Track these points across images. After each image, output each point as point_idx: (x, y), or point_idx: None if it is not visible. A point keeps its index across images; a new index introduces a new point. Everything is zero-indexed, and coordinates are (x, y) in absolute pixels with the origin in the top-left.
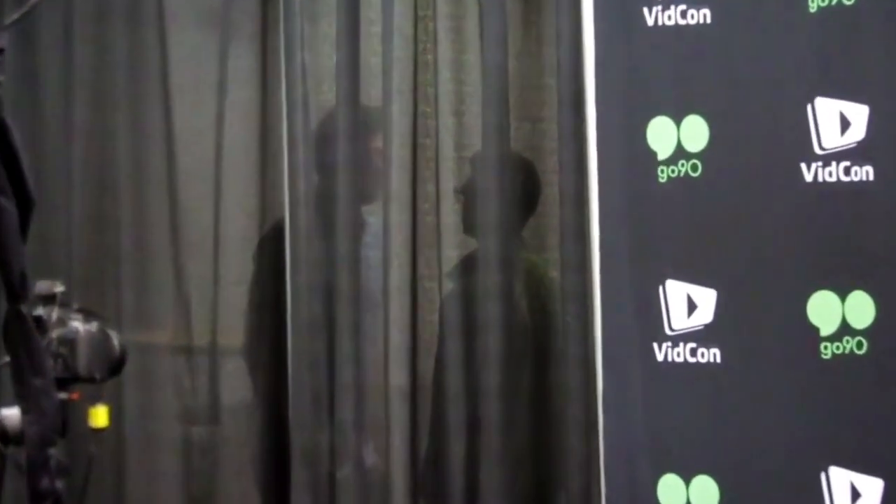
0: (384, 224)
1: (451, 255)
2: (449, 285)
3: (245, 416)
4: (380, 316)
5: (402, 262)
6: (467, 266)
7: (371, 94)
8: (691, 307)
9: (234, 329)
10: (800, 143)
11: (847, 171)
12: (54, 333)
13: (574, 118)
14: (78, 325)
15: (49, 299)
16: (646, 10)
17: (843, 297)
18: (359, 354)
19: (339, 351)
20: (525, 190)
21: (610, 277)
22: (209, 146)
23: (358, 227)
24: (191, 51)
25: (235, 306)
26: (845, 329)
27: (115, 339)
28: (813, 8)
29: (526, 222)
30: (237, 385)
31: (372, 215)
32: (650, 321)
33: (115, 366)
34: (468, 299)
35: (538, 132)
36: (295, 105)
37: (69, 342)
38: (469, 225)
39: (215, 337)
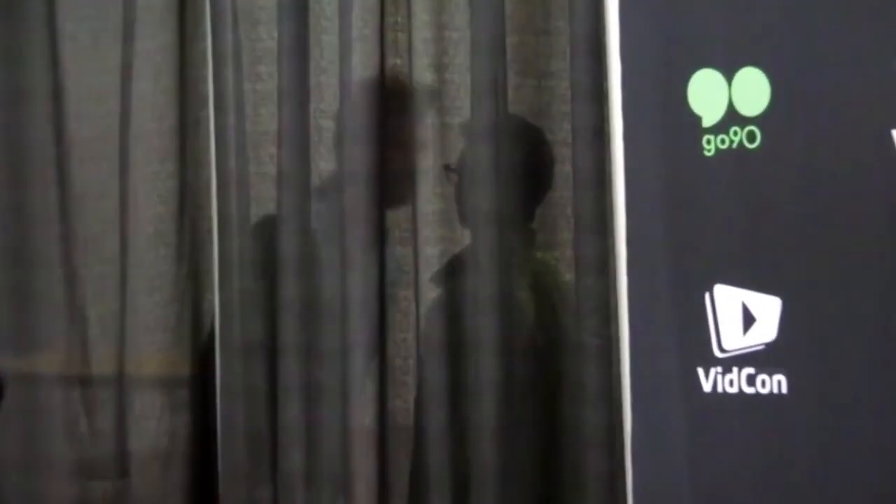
0: (340, 211)
1: (433, 253)
2: (430, 294)
3: (161, 467)
4: (336, 334)
5: (366, 263)
6: (455, 267)
7: (322, 40)
8: (748, 321)
9: (146, 353)
10: (890, 105)
11: None
12: None
13: (592, 73)
14: None
15: None
16: None
17: None
18: (310, 385)
19: (284, 380)
20: (531, 167)
21: (640, 282)
22: (110, 111)
23: (306, 215)
24: None
25: (148, 323)
26: None
27: None
28: None
29: (534, 210)
30: (150, 427)
31: (324, 199)
32: (694, 340)
33: None
34: (456, 311)
35: (545, 91)
36: (223, 56)
37: None
38: (464, 213)
39: (122, 364)
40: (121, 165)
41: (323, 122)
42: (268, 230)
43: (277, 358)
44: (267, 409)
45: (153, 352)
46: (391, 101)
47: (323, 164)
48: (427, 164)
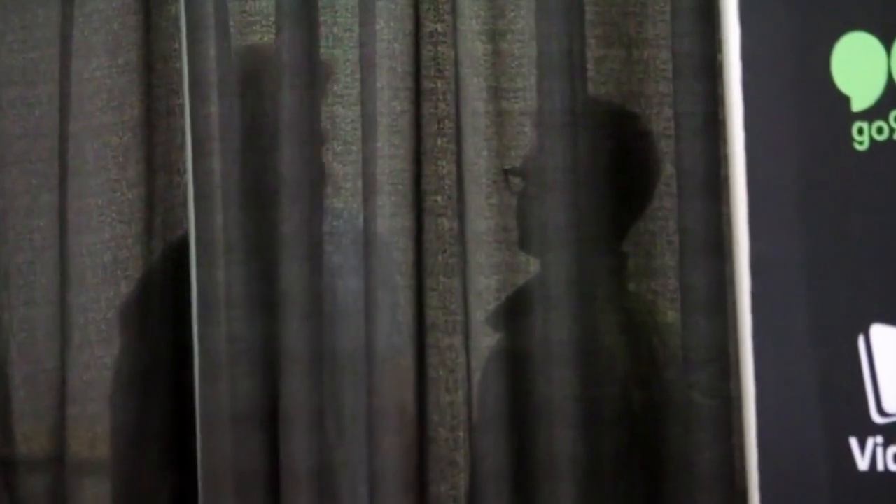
0: (365, 232)
1: (488, 285)
2: (485, 341)
3: None
4: (360, 396)
5: (397, 300)
6: (519, 306)
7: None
8: None
9: (99, 428)
10: None
11: None
12: None
13: (701, 39)
14: None
15: None
16: None
17: None
18: (322, 464)
19: (288, 460)
20: (623, 169)
21: (769, 322)
22: (45, 96)
23: (317, 236)
24: None
25: (100, 385)
26: None
27: None
28: None
29: (627, 228)
30: None
31: (339, 217)
32: (844, 399)
33: None
34: (520, 365)
35: (636, 65)
36: (202, 21)
37: None
38: (529, 233)
39: (63, 442)
40: (60, 171)
41: (338, 110)
42: (263, 258)
43: (278, 429)
44: (265, 499)
45: (106, 427)
46: (427, 81)
47: (339, 165)
48: (478, 165)
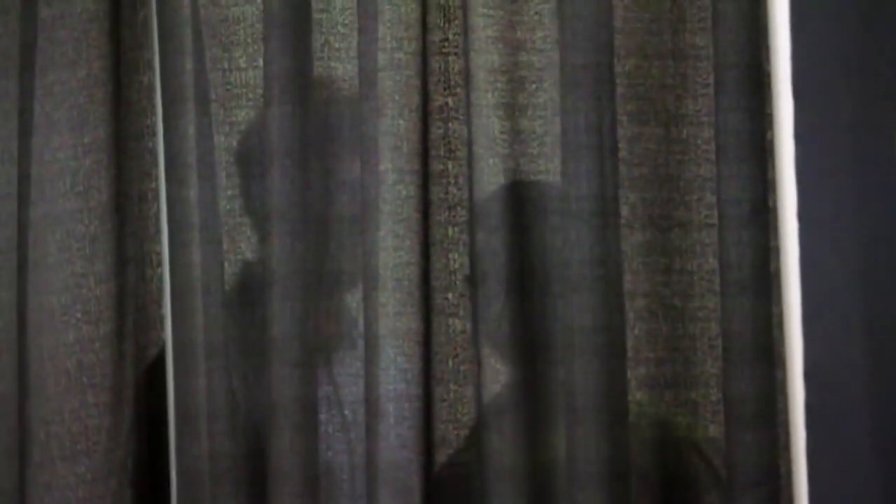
0: (366, 334)
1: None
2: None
3: None
4: None
5: (405, 412)
6: (540, 420)
7: (334, 72)
8: None
9: None
10: None
11: None
12: None
13: (749, 115)
14: None
15: None
16: None
17: None
18: None
19: None
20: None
21: (826, 439)
22: (2, 182)
23: (308, 339)
24: None
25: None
26: None
27: None
28: None
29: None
30: None
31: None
32: None
33: None
34: (542, 485)
35: (675, 144)
36: (179, 95)
37: None
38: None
39: None
40: (18, 264)
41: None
42: (249, 364)
43: None
44: None
45: None
46: (436, 162)
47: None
48: (496, 260)
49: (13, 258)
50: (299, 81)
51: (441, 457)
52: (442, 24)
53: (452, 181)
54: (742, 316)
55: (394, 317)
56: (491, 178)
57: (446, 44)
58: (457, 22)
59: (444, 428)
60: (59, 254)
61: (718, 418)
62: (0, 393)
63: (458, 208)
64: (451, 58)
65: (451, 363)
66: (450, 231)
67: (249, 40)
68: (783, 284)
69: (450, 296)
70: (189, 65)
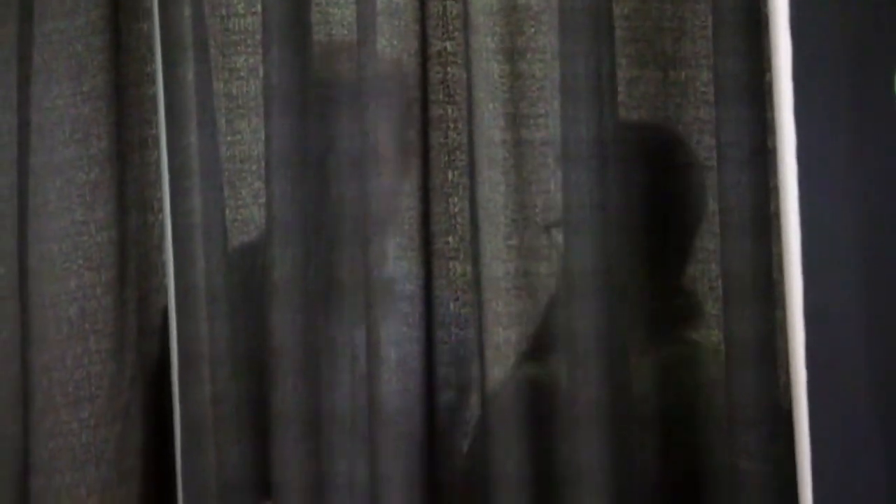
0: (366, 278)
1: (507, 337)
2: (500, 392)
3: None
4: (360, 463)
5: (406, 355)
6: (540, 351)
7: (331, 14)
8: None
9: (69, 497)
10: None
11: None
12: None
13: (747, 58)
14: None
15: None
16: None
17: None
18: None
19: None
20: (663, 206)
21: (825, 377)
22: (2, 130)
23: (310, 284)
24: None
25: (73, 451)
26: None
27: None
28: None
29: (666, 274)
30: None
31: (342, 261)
32: None
33: None
34: (543, 427)
35: (673, 87)
36: (179, 41)
37: None
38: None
39: None
40: (19, 212)
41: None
42: (252, 303)
43: (272, 498)
44: None
45: (81, 496)
46: (436, 106)
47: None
48: (495, 201)
49: (14, 206)
50: (297, 26)
51: (442, 400)
52: None
53: (452, 126)
54: (742, 257)
55: (394, 261)
56: (491, 122)
57: None
58: None
59: (445, 371)
60: (59, 201)
61: (719, 359)
62: (2, 340)
63: (458, 152)
64: (448, 2)
65: (452, 306)
66: (450, 175)
67: None
68: (783, 225)
69: (450, 240)
70: (187, 11)
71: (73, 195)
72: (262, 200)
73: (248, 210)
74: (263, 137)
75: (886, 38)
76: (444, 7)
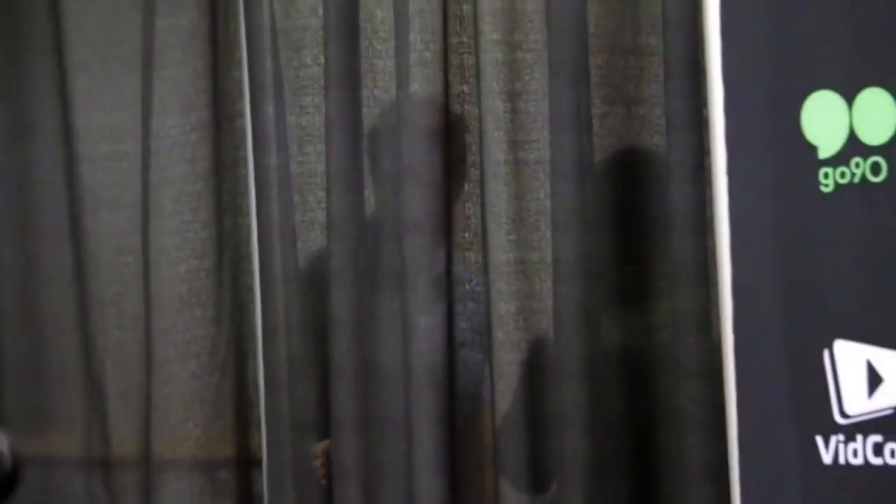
0: (400, 263)
1: (508, 310)
2: (506, 356)
3: None
4: (399, 405)
5: (434, 323)
6: (536, 327)
7: (377, 66)
8: (874, 381)
9: (180, 431)
10: None
11: None
12: None
13: (689, 98)
14: None
15: None
16: None
17: None
18: (368, 465)
19: (339, 461)
20: (632, 202)
21: (748, 340)
22: (131, 151)
23: (361, 268)
24: (98, 5)
25: (183, 396)
26: None
27: (5, 445)
28: None
29: (631, 261)
30: None
31: (382, 248)
32: (812, 405)
33: (6, 483)
34: (537, 377)
35: (634, 120)
36: (262, 86)
37: None
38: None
39: (149, 443)
40: (143, 215)
41: (380, 162)
42: (317, 286)
43: (331, 434)
44: (321, 497)
45: (189, 429)
46: (456, 136)
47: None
48: (498, 207)
49: (139, 211)
50: (351, 74)
51: (459, 356)
52: (458, 30)
53: (468, 149)
54: (686, 249)
55: (423, 251)
56: (496, 146)
57: (461, 45)
58: (468, 31)
59: (462, 334)
60: (172, 207)
61: (670, 327)
62: (132, 312)
63: (473, 169)
64: (465, 56)
65: (467, 286)
66: (466, 186)
67: (313, 44)
68: (716, 225)
69: (466, 235)
70: (269, 63)
71: (182, 202)
72: (324, 206)
73: (313, 213)
74: (325, 158)
75: (796, 84)
76: (462, 59)
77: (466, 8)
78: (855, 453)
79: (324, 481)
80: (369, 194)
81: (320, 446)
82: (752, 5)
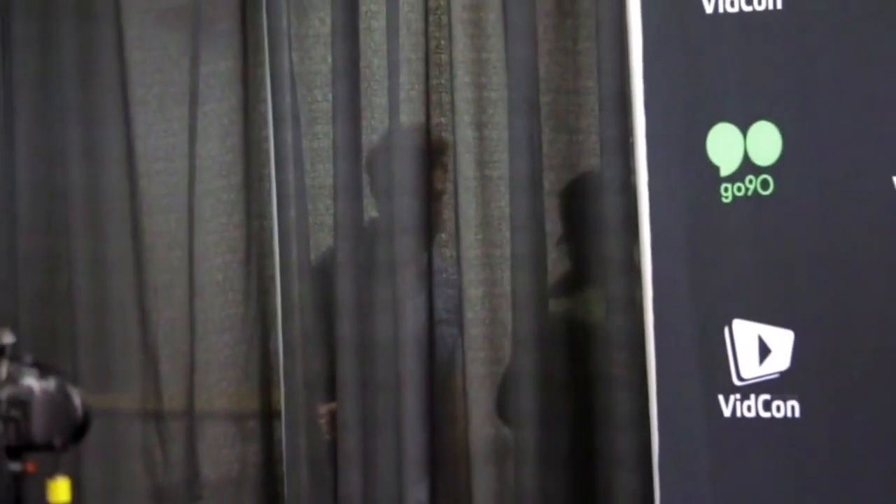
0: (391, 257)
1: (476, 294)
2: (475, 331)
3: (232, 493)
4: (390, 369)
5: (418, 305)
6: (502, 306)
7: (374, 102)
8: (763, 352)
9: (217, 389)
10: (893, 154)
11: None
12: (4, 393)
13: (619, 128)
14: (32, 382)
15: None
16: None
17: None
18: (366, 416)
19: (343, 412)
20: (575, 209)
21: (665, 318)
22: (180, 168)
23: (360, 261)
24: (154, 53)
25: (220, 361)
26: None
27: (77, 399)
28: None
29: (575, 256)
30: (221, 456)
31: (377, 245)
32: (715, 370)
33: (78, 430)
34: (500, 341)
35: (575, 145)
36: (283, 117)
37: (22, 403)
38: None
39: (192, 399)
40: (189, 218)
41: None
42: (326, 276)
43: (336, 392)
44: (328, 444)
45: (224, 387)
46: (436, 156)
47: (376, 213)
48: (469, 213)
49: (185, 216)
50: (354, 108)
51: (438, 331)
52: (438, 74)
53: (445, 167)
54: (617, 246)
55: (410, 248)
56: (466, 165)
57: (440, 85)
58: (445, 75)
59: (440, 313)
60: (211, 212)
61: (603, 308)
62: (179, 295)
63: (448, 184)
64: (443, 94)
65: (444, 276)
66: (444, 197)
67: (323, 84)
68: (640, 228)
69: (443, 235)
70: (288, 99)
71: (219, 209)
72: (332, 212)
73: (323, 218)
74: (333, 174)
75: (701, 117)
76: (441, 97)
77: (444, 57)
78: (749, 408)
79: (328, 437)
80: (368, 203)
81: (325, 408)
82: (668, 57)
